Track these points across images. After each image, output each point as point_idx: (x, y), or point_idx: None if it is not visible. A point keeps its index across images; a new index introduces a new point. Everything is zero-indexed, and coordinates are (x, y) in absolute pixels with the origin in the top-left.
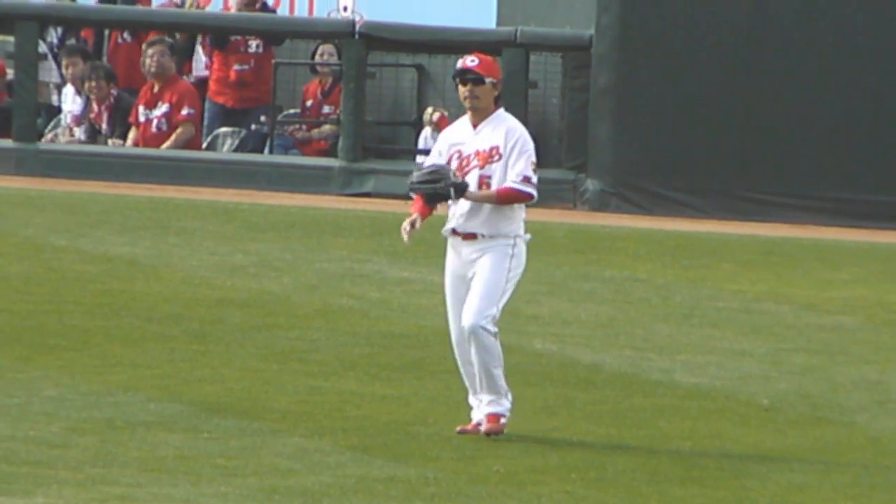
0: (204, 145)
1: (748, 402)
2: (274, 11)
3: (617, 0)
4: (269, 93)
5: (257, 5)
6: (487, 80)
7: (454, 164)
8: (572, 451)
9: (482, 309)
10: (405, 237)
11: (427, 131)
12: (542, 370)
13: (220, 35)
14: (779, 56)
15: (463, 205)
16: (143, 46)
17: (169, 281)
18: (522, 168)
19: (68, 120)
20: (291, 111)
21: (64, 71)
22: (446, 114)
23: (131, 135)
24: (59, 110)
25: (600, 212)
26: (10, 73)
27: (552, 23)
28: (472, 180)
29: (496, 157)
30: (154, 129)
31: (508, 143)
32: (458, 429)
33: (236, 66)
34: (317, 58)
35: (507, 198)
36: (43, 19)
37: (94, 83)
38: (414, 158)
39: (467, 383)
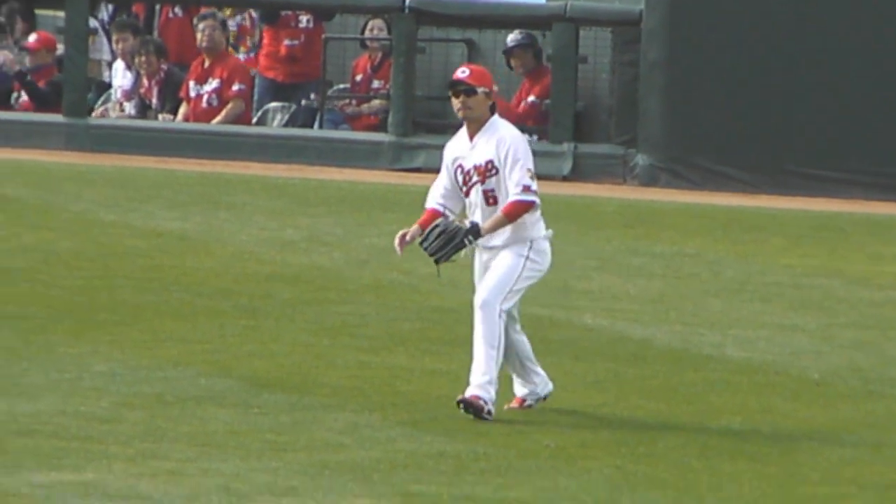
0: (254, 120)
1: (799, 377)
2: None
3: None
4: (319, 68)
5: None
6: (479, 89)
7: (459, 179)
8: (622, 426)
9: (495, 288)
10: (397, 249)
11: None
12: (592, 345)
13: (271, 10)
14: (830, 31)
15: (475, 217)
16: (194, 21)
17: (219, 256)
18: (519, 178)
19: (118, 95)
20: (341, 86)
21: (114, 46)
22: (496, 89)
23: (182, 110)
24: (109, 86)
25: (650, 187)
26: (61, 49)
27: None
28: (475, 197)
29: (493, 171)
30: (204, 104)
31: (500, 154)
32: (506, 406)
33: (287, 41)
34: (366, 33)
35: (515, 213)
36: None
37: (143, 58)
38: None
39: (507, 369)
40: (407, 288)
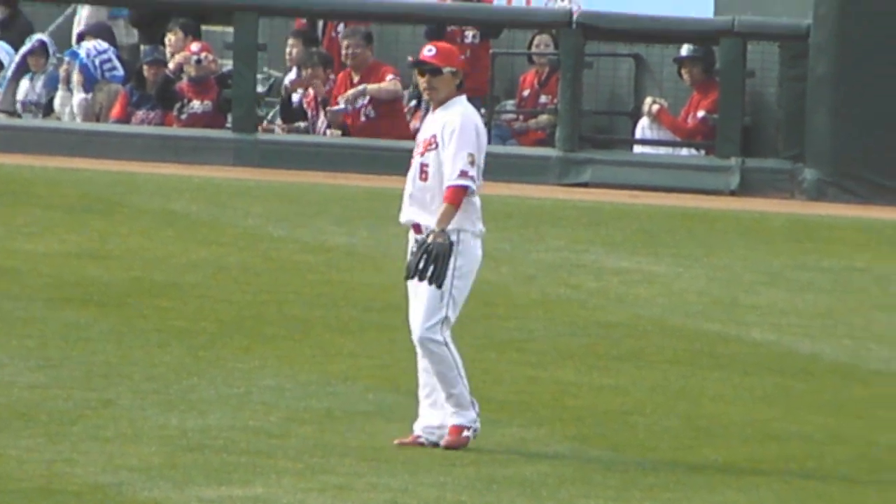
0: None
1: None
2: (491, 1)
3: None
4: (486, 83)
5: None
6: (445, 69)
7: (414, 150)
8: (791, 441)
9: (427, 319)
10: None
11: (645, 121)
12: (760, 360)
13: (437, 25)
14: None
15: (407, 191)
16: (340, 37)
17: (388, 271)
18: (454, 162)
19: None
20: (508, 101)
21: (287, 53)
22: (665, 104)
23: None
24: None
25: (818, 201)
26: (229, 64)
27: (769, 12)
28: (413, 169)
29: (433, 147)
30: (363, 118)
31: (445, 133)
32: (397, 441)
33: None
34: (533, 48)
35: (455, 198)
36: (262, 10)
37: (310, 70)
38: (631, 148)
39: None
40: (574, 303)
